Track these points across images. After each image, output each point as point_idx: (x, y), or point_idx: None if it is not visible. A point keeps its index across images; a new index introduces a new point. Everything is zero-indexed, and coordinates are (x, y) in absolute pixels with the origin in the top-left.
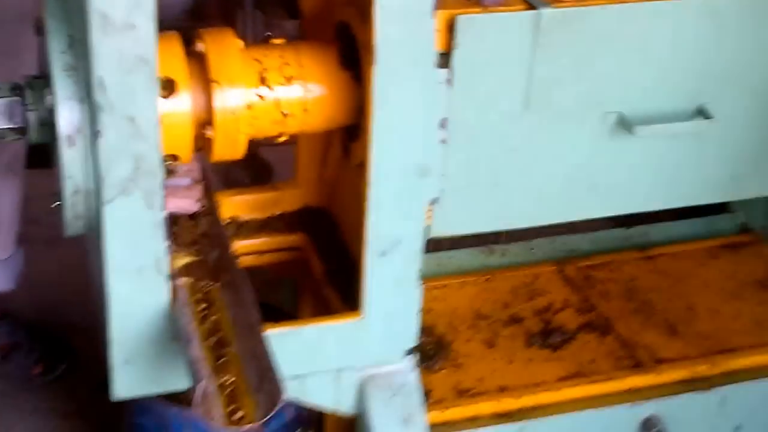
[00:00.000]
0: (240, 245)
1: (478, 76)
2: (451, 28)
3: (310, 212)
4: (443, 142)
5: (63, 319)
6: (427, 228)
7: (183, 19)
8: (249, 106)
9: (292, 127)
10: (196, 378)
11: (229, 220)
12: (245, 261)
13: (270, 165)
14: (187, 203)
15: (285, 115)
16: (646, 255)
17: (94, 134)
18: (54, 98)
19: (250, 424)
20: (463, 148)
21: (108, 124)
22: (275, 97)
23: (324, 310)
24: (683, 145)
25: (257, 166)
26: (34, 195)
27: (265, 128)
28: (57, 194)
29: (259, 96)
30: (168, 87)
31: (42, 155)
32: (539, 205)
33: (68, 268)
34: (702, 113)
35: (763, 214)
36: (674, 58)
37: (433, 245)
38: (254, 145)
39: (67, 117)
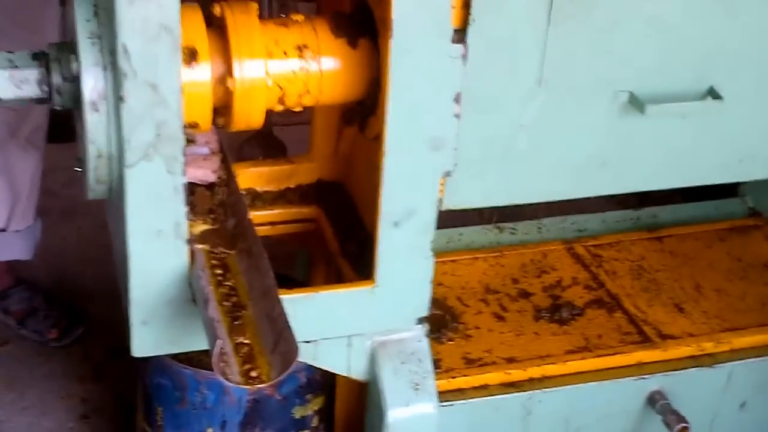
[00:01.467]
0: (255, 216)
1: (492, 52)
2: (466, 4)
3: (324, 185)
4: (457, 116)
5: (78, 287)
6: (440, 200)
7: None
8: (267, 78)
9: (309, 99)
10: (212, 338)
11: (245, 192)
12: (260, 231)
13: (283, 144)
14: (205, 173)
15: (302, 87)
16: (655, 236)
17: (118, 100)
18: (79, 65)
19: (265, 383)
20: (476, 123)
21: (131, 90)
22: (293, 69)
23: (337, 280)
24: (693, 125)
25: (271, 145)
26: (52, 168)
27: (283, 99)
28: (79, 160)
29: (277, 68)
30: (190, 56)
31: (60, 129)
32: (550, 181)
33: (84, 238)
34: (712, 93)
35: None
36: (685, 38)
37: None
38: (268, 123)
39: (92, 83)
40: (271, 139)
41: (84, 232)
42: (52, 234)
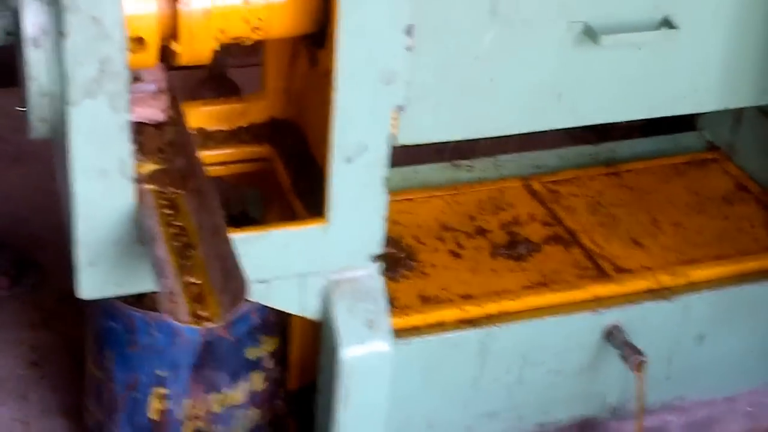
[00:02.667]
0: (206, 155)
1: None
2: None
3: (277, 124)
4: (409, 48)
5: (28, 234)
6: (393, 136)
7: None
8: (214, 8)
9: (258, 31)
10: (160, 278)
11: (195, 131)
12: (212, 171)
13: (237, 86)
14: (153, 112)
15: (251, 19)
16: (613, 171)
17: (59, 35)
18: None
19: (214, 323)
20: (429, 56)
21: (73, 24)
22: (241, 1)
23: (291, 219)
24: (648, 56)
25: (225, 86)
26: (1, 113)
27: (231, 31)
28: (22, 99)
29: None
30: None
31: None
32: (505, 114)
33: (34, 185)
34: (667, 23)
35: (729, 132)
36: None
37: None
38: (222, 65)
39: (33, 18)
40: (226, 81)
41: (33, 179)
42: (1, 179)
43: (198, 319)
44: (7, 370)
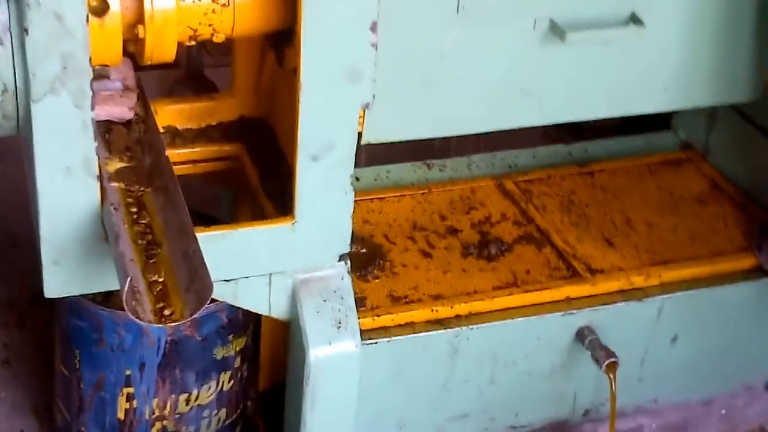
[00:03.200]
0: (176, 154)
1: None
2: None
3: (246, 122)
4: (374, 45)
5: (3, 232)
6: (360, 134)
7: None
8: (179, 6)
9: (223, 29)
10: (123, 275)
11: (164, 129)
12: (181, 170)
13: (214, 85)
14: (121, 110)
15: (215, 16)
16: (586, 170)
17: (22, 32)
18: None
19: (178, 321)
20: (394, 53)
21: (35, 21)
22: None
23: (260, 218)
24: (616, 53)
25: (201, 86)
26: None
27: (196, 30)
28: None
29: None
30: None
31: None
32: (471, 112)
33: (11, 183)
34: (634, 19)
35: (703, 132)
36: None
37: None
38: (198, 64)
39: None
40: (202, 80)
41: (11, 178)
42: None
43: (162, 317)
44: None
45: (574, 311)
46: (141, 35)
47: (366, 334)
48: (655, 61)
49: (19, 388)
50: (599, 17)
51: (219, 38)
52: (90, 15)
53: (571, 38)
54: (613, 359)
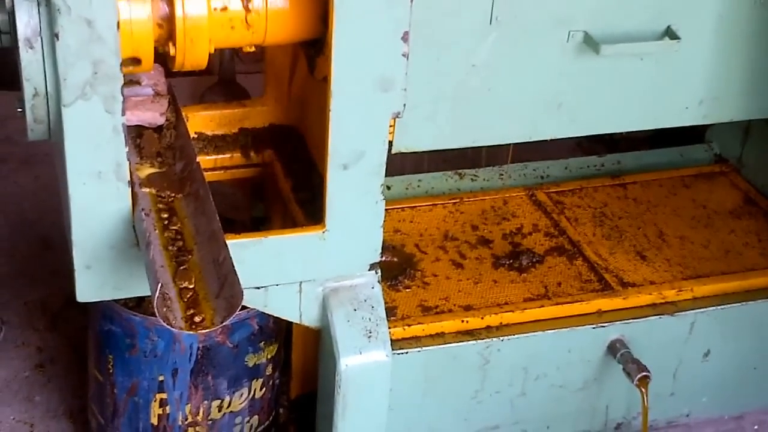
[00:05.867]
0: (206, 160)
1: None
2: None
3: (277, 129)
4: (405, 55)
5: (37, 235)
6: (390, 143)
7: None
8: (211, 15)
9: (255, 38)
10: (154, 282)
11: (196, 136)
12: (212, 176)
13: (246, 92)
14: (153, 116)
15: (248, 25)
16: (618, 182)
17: (53, 37)
18: (12, 1)
19: (209, 329)
20: (426, 63)
21: (66, 26)
22: (238, 6)
23: (292, 226)
24: (650, 66)
25: (234, 92)
26: (10, 115)
27: (228, 38)
28: (20, 101)
29: (221, 7)
30: None
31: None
32: (503, 123)
33: (43, 186)
34: (669, 33)
35: (737, 145)
36: None
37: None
38: (231, 71)
39: (26, 19)
40: (234, 86)
41: (43, 180)
42: (10, 182)
43: (192, 324)
44: (12, 372)
45: (606, 324)
46: (172, 47)
47: (396, 343)
48: (689, 75)
49: (53, 391)
50: (634, 30)
51: (250, 48)
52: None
53: (605, 51)
54: (645, 373)
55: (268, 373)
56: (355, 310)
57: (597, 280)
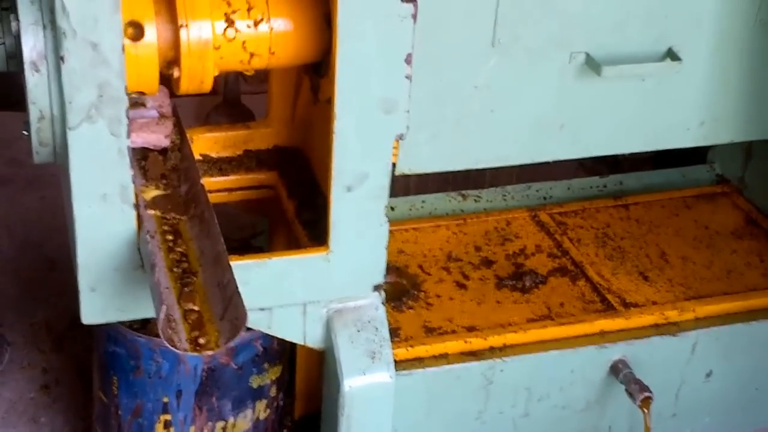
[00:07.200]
0: (211, 182)
1: (444, 11)
2: None
3: (281, 151)
4: (408, 77)
5: (42, 256)
6: (394, 165)
7: None
8: (215, 42)
9: (259, 62)
10: (158, 304)
11: (200, 157)
12: (216, 198)
13: (251, 112)
14: (158, 138)
15: (251, 50)
16: (621, 203)
17: (58, 60)
18: (18, 24)
19: (213, 350)
20: (428, 85)
21: (71, 49)
22: (241, 32)
23: (294, 247)
24: (652, 87)
25: (238, 113)
26: (16, 136)
27: (232, 62)
28: (26, 123)
29: (225, 32)
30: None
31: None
32: (505, 144)
33: (48, 207)
34: (671, 55)
35: (739, 166)
36: None
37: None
38: (236, 92)
39: (32, 43)
40: (239, 107)
41: (48, 201)
42: (16, 203)
43: (197, 346)
44: (18, 393)
45: (609, 345)
46: (176, 71)
47: (400, 364)
48: (691, 96)
49: (58, 412)
50: (636, 52)
51: (252, 70)
52: (125, 40)
53: (606, 72)
54: (647, 394)
55: (272, 395)
56: (358, 331)
57: (599, 301)
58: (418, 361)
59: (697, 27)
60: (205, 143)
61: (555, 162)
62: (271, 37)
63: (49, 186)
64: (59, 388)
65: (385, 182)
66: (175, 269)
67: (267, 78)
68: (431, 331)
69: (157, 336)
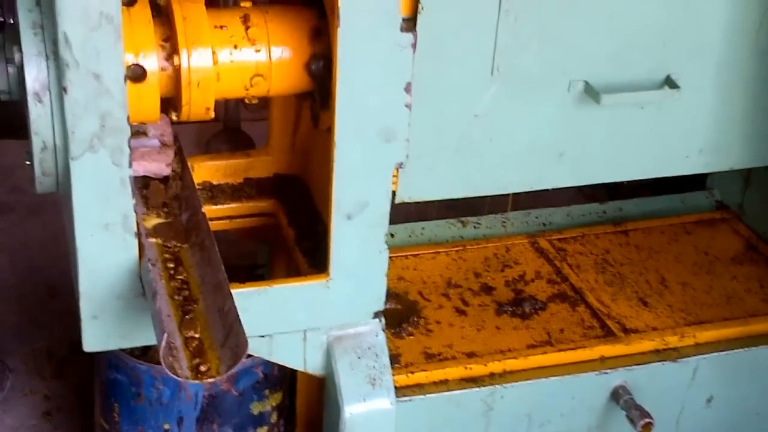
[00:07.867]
0: (212, 210)
1: (443, 41)
2: None
3: (281, 179)
4: (408, 106)
5: (43, 283)
6: (393, 193)
7: None
8: (215, 70)
9: (259, 90)
10: (159, 331)
11: (201, 185)
12: (217, 225)
13: (251, 139)
14: (159, 167)
15: (251, 78)
16: (620, 229)
17: (61, 91)
18: (21, 55)
19: (214, 378)
20: (427, 113)
21: (74, 80)
22: (241, 60)
23: (295, 274)
24: (651, 115)
25: (238, 140)
26: (18, 164)
27: (232, 91)
28: (28, 153)
29: (225, 59)
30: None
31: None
32: (505, 172)
33: (50, 234)
34: (669, 83)
35: (738, 192)
36: (642, 26)
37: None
38: (236, 119)
39: (35, 74)
40: (239, 134)
41: (50, 229)
42: (18, 230)
43: (198, 373)
44: (20, 420)
45: (609, 371)
46: (178, 95)
47: (400, 391)
48: (690, 124)
49: None
50: (634, 80)
51: (254, 100)
52: (128, 80)
53: (606, 101)
54: (648, 419)
55: (272, 421)
56: (359, 357)
57: (599, 327)
58: (419, 387)
59: (696, 55)
60: (206, 171)
61: (554, 188)
62: (271, 65)
63: (50, 213)
64: (61, 414)
65: (385, 210)
66: (176, 297)
67: (267, 105)
68: (431, 357)
69: (158, 363)
